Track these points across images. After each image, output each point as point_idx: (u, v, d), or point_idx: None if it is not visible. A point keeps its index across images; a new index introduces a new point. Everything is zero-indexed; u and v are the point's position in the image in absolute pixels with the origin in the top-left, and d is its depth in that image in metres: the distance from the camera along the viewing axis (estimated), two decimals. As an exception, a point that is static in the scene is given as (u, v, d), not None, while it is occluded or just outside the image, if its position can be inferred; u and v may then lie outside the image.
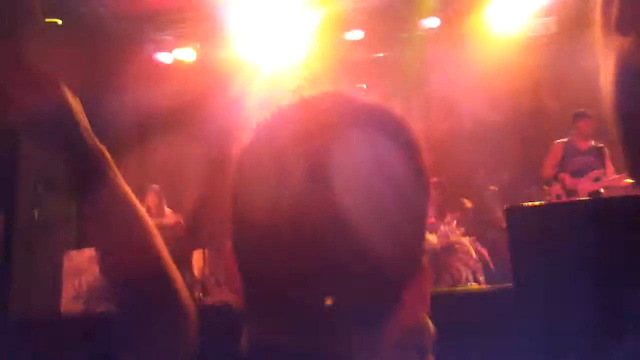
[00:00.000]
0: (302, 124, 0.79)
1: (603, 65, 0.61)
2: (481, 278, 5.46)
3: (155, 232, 1.03)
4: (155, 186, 7.25)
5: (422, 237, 0.82)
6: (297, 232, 0.72)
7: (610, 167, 6.00)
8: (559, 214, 3.50)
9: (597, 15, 0.66)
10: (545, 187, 6.51)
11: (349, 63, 8.21)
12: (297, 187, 0.74)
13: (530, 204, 3.83)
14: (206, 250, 6.92)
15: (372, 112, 0.83)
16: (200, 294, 6.48)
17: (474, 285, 5.20)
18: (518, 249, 3.44)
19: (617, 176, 5.87)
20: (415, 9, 7.81)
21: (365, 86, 5.93)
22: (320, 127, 0.77)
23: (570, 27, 7.78)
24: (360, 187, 0.74)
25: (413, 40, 8.14)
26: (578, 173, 6.05)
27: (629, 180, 5.90)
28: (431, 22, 7.75)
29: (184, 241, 6.84)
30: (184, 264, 6.74)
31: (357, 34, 7.90)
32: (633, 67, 0.52)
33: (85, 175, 0.96)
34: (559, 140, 6.30)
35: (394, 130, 0.81)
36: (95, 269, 5.34)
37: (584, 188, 5.97)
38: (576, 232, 3.30)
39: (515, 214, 3.46)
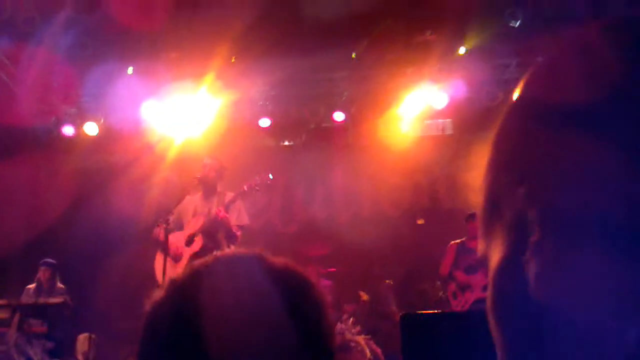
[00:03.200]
0: (210, 293, 0.85)
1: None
2: (374, 378, 5.56)
3: None
4: (49, 260, 6.91)
5: None
6: None
7: None
8: (452, 324, 3.65)
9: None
10: (439, 284, 6.79)
11: (258, 149, 8.35)
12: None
13: (424, 312, 4.00)
14: (93, 335, 6.59)
15: (279, 279, 0.88)
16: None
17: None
18: (410, 354, 3.53)
19: None
20: (323, 101, 8.15)
21: (271, 176, 6.03)
22: (233, 292, 0.85)
23: (464, 129, 8.36)
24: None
25: (319, 131, 8.43)
26: (471, 269, 6.37)
27: None
28: (338, 116, 8.08)
29: (68, 322, 6.47)
30: (66, 346, 6.36)
31: (265, 122, 8.09)
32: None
33: None
34: (453, 242, 6.61)
35: (297, 295, 0.88)
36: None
37: (477, 283, 6.29)
38: (468, 343, 3.43)
39: (409, 321, 3.57)
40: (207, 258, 0.91)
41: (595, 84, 0.46)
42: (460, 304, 6.29)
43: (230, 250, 0.86)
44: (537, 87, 0.52)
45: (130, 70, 7.42)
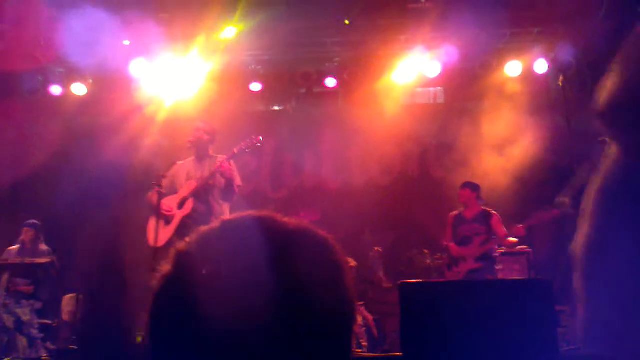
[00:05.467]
0: (218, 261, 0.82)
1: None
2: (364, 343, 5.63)
3: None
4: (32, 221, 6.86)
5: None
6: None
7: (498, 227, 6.28)
8: (446, 292, 3.71)
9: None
10: (426, 252, 6.82)
11: (248, 113, 8.28)
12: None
13: (420, 281, 4.08)
14: (80, 296, 6.58)
15: (296, 238, 0.85)
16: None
17: (357, 351, 5.34)
18: (408, 320, 3.60)
19: (503, 236, 6.22)
20: (315, 66, 8.06)
21: (261, 138, 5.99)
22: (242, 258, 0.81)
23: (455, 98, 8.34)
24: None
25: (310, 96, 8.36)
26: (465, 241, 6.32)
27: (513, 239, 6.33)
28: (329, 82, 8.01)
29: (54, 282, 6.47)
30: (52, 306, 6.38)
31: (256, 86, 8.01)
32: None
33: None
34: (451, 213, 6.55)
35: (314, 256, 0.85)
36: None
37: (470, 254, 6.26)
38: (460, 309, 3.49)
39: (407, 289, 3.65)
40: (214, 223, 0.86)
41: None
42: (454, 276, 6.24)
43: (238, 213, 0.83)
44: None
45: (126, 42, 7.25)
